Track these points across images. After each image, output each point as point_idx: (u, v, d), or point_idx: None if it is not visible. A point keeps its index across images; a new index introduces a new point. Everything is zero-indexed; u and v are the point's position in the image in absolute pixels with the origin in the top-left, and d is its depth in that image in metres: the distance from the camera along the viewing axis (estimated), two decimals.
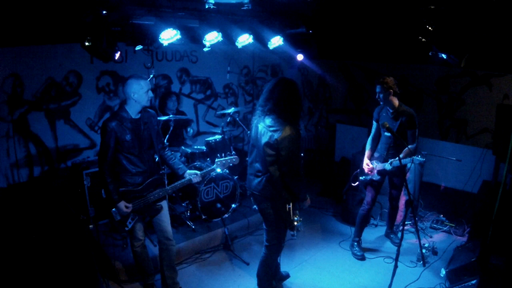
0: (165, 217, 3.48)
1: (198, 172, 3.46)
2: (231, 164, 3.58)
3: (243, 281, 4.05)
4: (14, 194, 4.29)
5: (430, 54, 4.68)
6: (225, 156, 3.57)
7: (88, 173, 4.56)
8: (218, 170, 3.57)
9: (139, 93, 3.14)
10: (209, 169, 3.56)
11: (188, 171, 3.46)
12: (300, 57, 5.87)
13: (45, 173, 4.73)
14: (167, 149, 3.57)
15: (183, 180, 3.42)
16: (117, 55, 4.09)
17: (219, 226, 4.75)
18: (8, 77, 4.30)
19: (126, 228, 3.35)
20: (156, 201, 3.38)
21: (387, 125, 3.58)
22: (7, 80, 4.30)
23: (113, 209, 3.24)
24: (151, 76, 4.83)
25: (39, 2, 3.63)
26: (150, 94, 3.21)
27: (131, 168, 3.23)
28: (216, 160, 3.50)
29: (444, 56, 4.51)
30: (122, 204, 3.19)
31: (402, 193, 4.73)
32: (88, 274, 3.53)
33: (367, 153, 4.47)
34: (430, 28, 4.34)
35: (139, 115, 3.26)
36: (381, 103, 4.24)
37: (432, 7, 4.04)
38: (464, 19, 4.14)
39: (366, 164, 4.39)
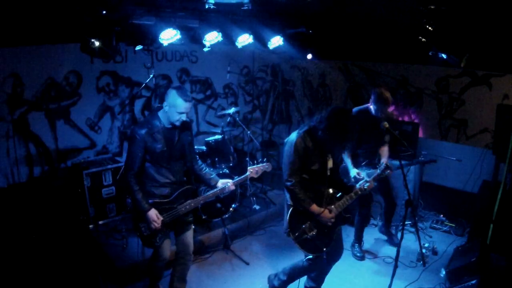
0: (190, 231, 3.32)
1: (231, 181, 3.28)
2: (263, 171, 3.40)
3: (243, 281, 4.05)
4: (14, 194, 4.29)
5: (430, 54, 4.68)
6: (257, 163, 3.42)
7: (88, 173, 4.56)
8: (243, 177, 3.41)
9: (171, 110, 2.94)
10: (243, 177, 3.37)
11: (221, 180, 3.29)
12: (309, 56, 5.90)
13: (45, 173, 4.73)
14: (197, 158, 3.38)
15: (216, 189, 3.25)
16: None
17: (219, 226, 4.75)
18: (8, 77, 4.30)
19: (156, 244, 3.10)
20: (187, 213, 3.20)
21: (387, 125, 3.56)
22: (7, 80, 4.30)
23: (141, 222, 3.01)
24: (151, 76, 4.83)
25: (39, 2, 3.63)
26: (183, 117, 2.97)
27: (159, 178, 3.04)
28: (249, 167, 3.35)
29: (444, 56, 4.51)
30: (153, 213, 2.95)
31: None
32: (88, 274, 3.53)
33: (349, 161, 4.11)
34: (430, 28, 4.34)
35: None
36: (372, 110, 4.20)
37: (432, 7, 4.04)
38: (464, 19, 4.14)
39: (357, 174, 4.00)
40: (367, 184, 3.32)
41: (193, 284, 3.96)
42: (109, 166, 4.74)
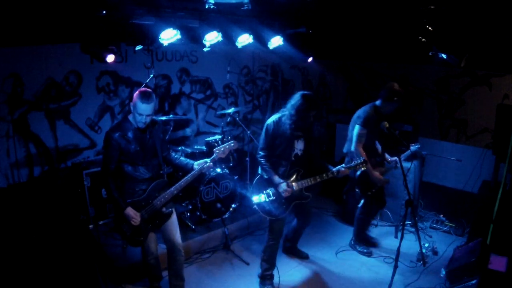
0: (172, 225, 3.36)
1: (208, 160, 3.28)
2: (230, 149, 3.40)
3: (243, 281, 4.05)
4: (14, 194, 4.29)
5: (430, 54, 4.68)
6: (223, 143, 3.44)
7: (88, 173, 4.56)
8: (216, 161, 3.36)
9: (134, 111, 3.05)
10: (211, 158, 3.33)
11: (196, 162, 3.31)
12: (310, 59, 5.98)
13: (45, 173, 4.73)
14: (171, 151, 3.49)
15: (193, 172, 3.25)
16: (111, 57, 4.04)
17: (219, 226, 4.75)
18: (8, 77, 4.30)
19: (141, 240, 3.25)
20: (163, 206, 3.26)
21: (387, 125, 3.58)
22: (7, 80, 4.30)
23: (122, 224, 3.15)
24: (151, 76, 4.83)
25: (39, 2, 3.63)
26: (144, 119, 3.04)
27: (137, 176, 3.18)
28: (215, 149, 3.35)
29: (444, 56, 4.52)
30: (130, 210, 3.08)
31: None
32: (88, 274, 3.53)
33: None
34: (430, 28, 4.35)
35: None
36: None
37: (432, 7, 4.05)
38: (464, 19, 4.14)
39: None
40: (342, 168, 3.74)
41: (193, 284, 3.96)
42: None
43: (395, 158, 4.36)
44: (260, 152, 3.70)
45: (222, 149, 3.35)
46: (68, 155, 4.90)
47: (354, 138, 4.11)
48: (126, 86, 5.31)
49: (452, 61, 4.51)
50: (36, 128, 4.61)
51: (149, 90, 3.11)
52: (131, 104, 3.07)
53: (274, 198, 3.67)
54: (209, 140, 5.16)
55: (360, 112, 4.18)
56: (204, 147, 5.17)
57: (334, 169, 3.74)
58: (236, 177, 5.05)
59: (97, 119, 5.12)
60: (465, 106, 5.69)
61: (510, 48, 4.21)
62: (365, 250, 4.57)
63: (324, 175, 3.71)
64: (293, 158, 3.71)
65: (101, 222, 4.70)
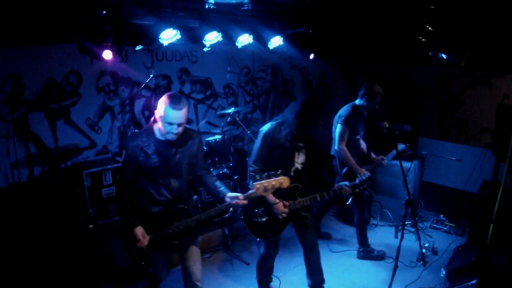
0: (191, 254, 2.85)
1: (241, 195, 2.70)
2: (275, 188, 2.65)
3: (243, 281, 4.05)
4: (14, 194, 4.29)
5: (430, 54, 4.69)
6: (268, 178, 2.59)
7: (88, 173, 4.56)
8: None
9: (162, 120, 2.56)
10: (249, 192, 2.70)
11: (229, 194, 2.75)
12: (311, 56, 6.00)
13: (45, 173, 4.73)
14: (211, 170, 3.14)
15: (219, 206, 2.76)
16: (108, 54, 4.04)
17: (219, 226, 4.75)
18: (8, 77, 4.30)
19: (148, 271, 2.84)
20: (176, 236, 2.77)
21: (387, 125, 3.58)
22: (7, 80, 4.29)
23: (129, 241, 2.77)
24: (151, 76, 4.83)
25: (39, 3, 3.63)
26: (175, 130, 2.55)
27: (155, 195, 2.74)
28: (254, 183, 2.63)
29: (444, 56, 4.52)
30: (139, 230, 2.68)
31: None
32: (88, 274, 3.53)
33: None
34: (430, 28, 4.35)
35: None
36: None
37: (432, 7, 4.05)
38: (464, 19, 4.15)
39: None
40: (345, 187, 3.30)
41: None
42: (109, 166, 4.74)
43: (381, 156, 4.41)
44: (253, 165, 3.17)
45: (265, 184, 2.57)
46: (68, 155, 4.90)
47: (337, 137, 4.22)
48: (126, 86, 5.31)
49: (452, 61, 4.51)
50: (36, 128, 4.61)
51: (178, 93, 2.78)
52: (157, 113, 2.61)
53: (267, 218, 3.27)
54: (209, 140, 5.16)
55: (341, 112, 4.32)
56: (204, 147, 5.16)
57: (336, 186, 3.31)
58: (236, 177, 5.05)
59: (97, 119, 5.12)
60: (465, 106, 5.69)
61: (510, 48, 4.21)
62: (381, 253, 4.51)
63: (325, 193, 3.27)
64: (292, 174, 3.22)
65: (101, 222, 4.70)
